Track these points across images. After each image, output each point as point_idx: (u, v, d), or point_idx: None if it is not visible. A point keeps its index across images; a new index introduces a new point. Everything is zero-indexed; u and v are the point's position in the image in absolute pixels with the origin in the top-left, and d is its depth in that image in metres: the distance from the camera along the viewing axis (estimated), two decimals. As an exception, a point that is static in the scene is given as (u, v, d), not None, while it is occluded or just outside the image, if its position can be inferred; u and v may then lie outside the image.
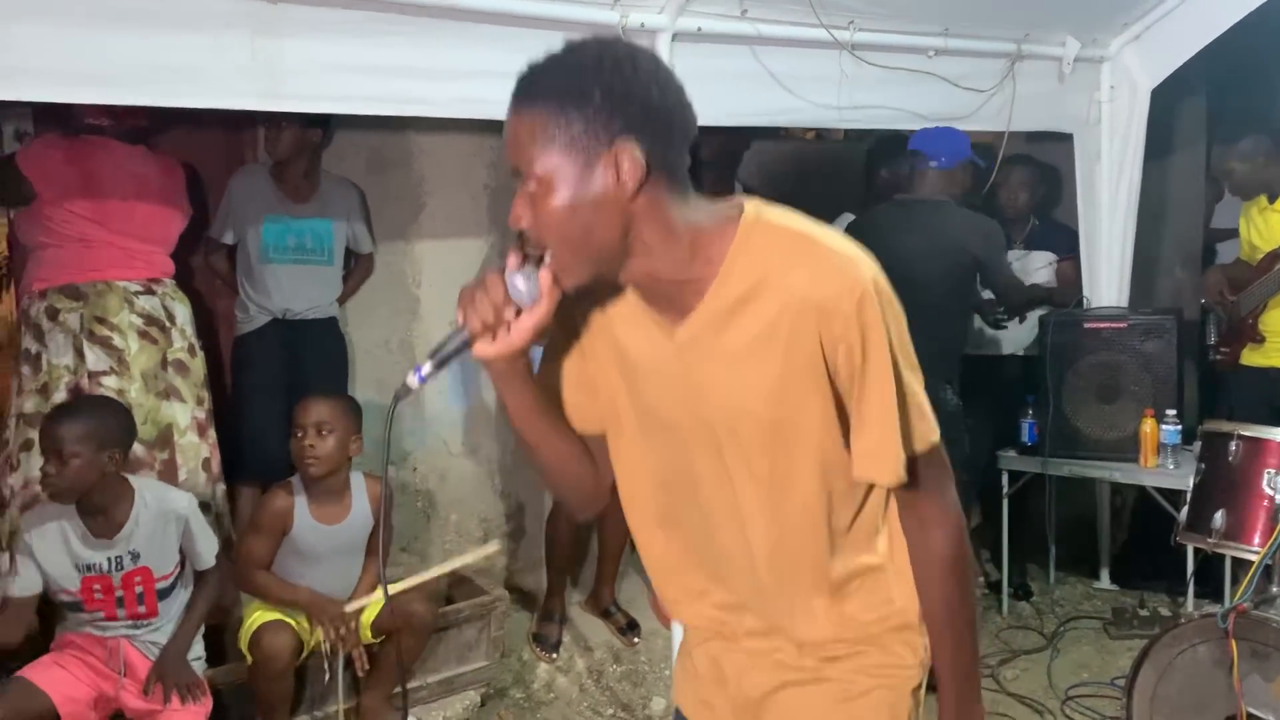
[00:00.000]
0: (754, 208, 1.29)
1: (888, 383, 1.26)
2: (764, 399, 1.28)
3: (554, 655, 3.53)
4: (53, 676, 2.45)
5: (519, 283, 1.24)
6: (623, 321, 1.35)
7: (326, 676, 2.82)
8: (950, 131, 3.43)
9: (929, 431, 1.32)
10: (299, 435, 2.82)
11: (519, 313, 1.25)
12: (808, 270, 1.24)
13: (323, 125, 3.37)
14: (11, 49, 2.07)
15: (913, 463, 1.31)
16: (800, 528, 1.35)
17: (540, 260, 1.24)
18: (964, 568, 1.37)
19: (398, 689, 2.94)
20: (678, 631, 2.97)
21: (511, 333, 1.26)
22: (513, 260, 1.25)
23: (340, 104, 2.57)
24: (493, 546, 2.92)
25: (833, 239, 1.27)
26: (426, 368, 1.26)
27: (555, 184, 1.19)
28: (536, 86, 1.21)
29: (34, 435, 2.87)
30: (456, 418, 3.93)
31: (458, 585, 3.45)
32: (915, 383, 1.30)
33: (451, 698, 3.16)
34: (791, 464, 1.32)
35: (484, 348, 1.26)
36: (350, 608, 2.78)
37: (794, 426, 1.30)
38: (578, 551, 3.79)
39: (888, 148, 3.91)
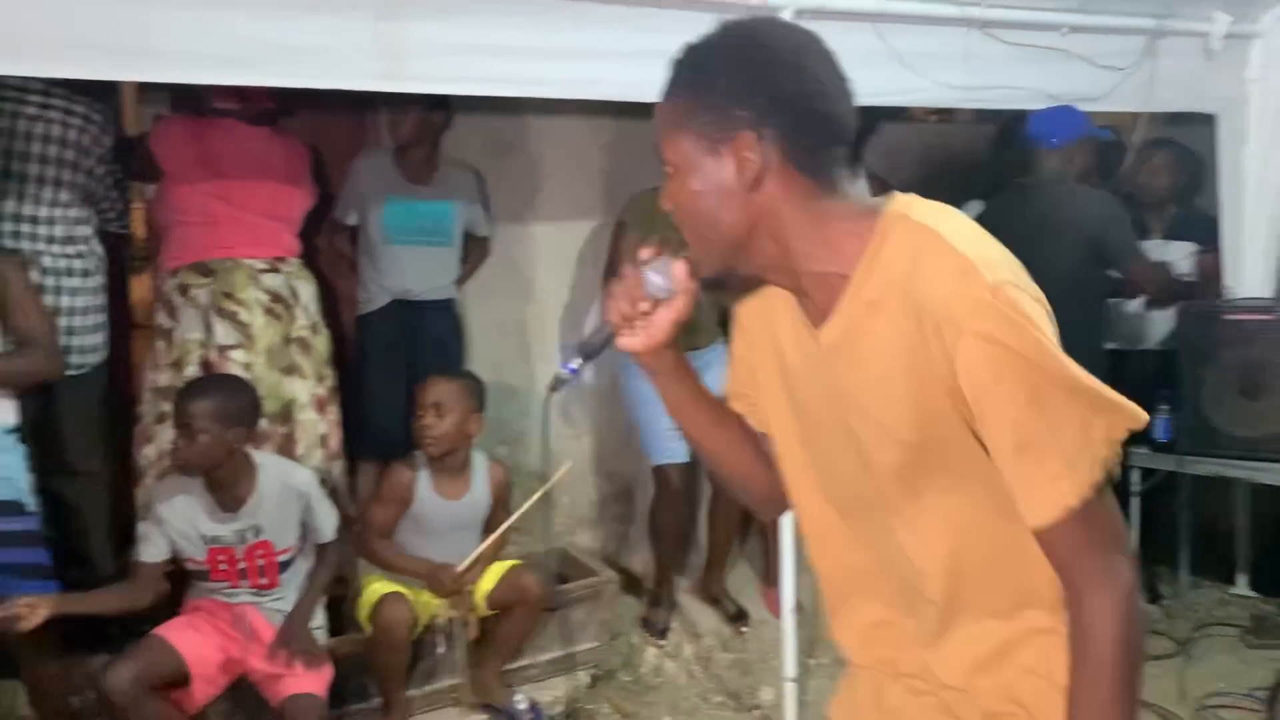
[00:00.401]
0: (903, 202, 1.19)
1: (1015, 409, 1.09)
2: (899, 418, 1.16)
3: (662, 641, 3.52)
4: (186, 637, 2.54)
5: (651, 276, 1.25)
6: (783, 317, 1.30)
7: (440, 650, 2.87)
8: (1064, 109, 3.29)
9: (1082, 477, 1.10)
10: (419, 414, 2.89)
11: (656, 306, 1.26)
12: (929, 273, 1.12)
13: (444, 108, 3.41)
14: (146, 31, 2.13)
15: (1065, 515, 1.10)
16: (969, 559, 1.20)
17: (676, 252, 1.24)
18: (1127, 652, 1.10)
19: (508, 665, 2.99)
20: (789, 623, 2.94)
21: (650, 326, 1.26)
22: (645, 253, 1.26)
23: (460, 85, 2.58)
24: (564, 468, 2.98)
25: (964, 237, 1.14)
26: (576, 361, 1.30)
27: (684, 170, 1.19)
28: (675, 70, 1.21)
29: (168, 408, 2.98)
30: (569, 400, 3.95)
31: (569, 566, 3.48)
32: (1065, 413, 1.10)
33: (560, 677, 3.18)
34: (950, 489, 1.18)
35: (626, 341, 1.28)
36: (461, 566, 2.84)
37: (941, 449, 1.16)
38: (682, 539, 3.77)
39: (1016, 129, 3.76)
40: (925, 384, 1.13)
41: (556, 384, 1.31)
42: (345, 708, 2.78)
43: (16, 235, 2.79)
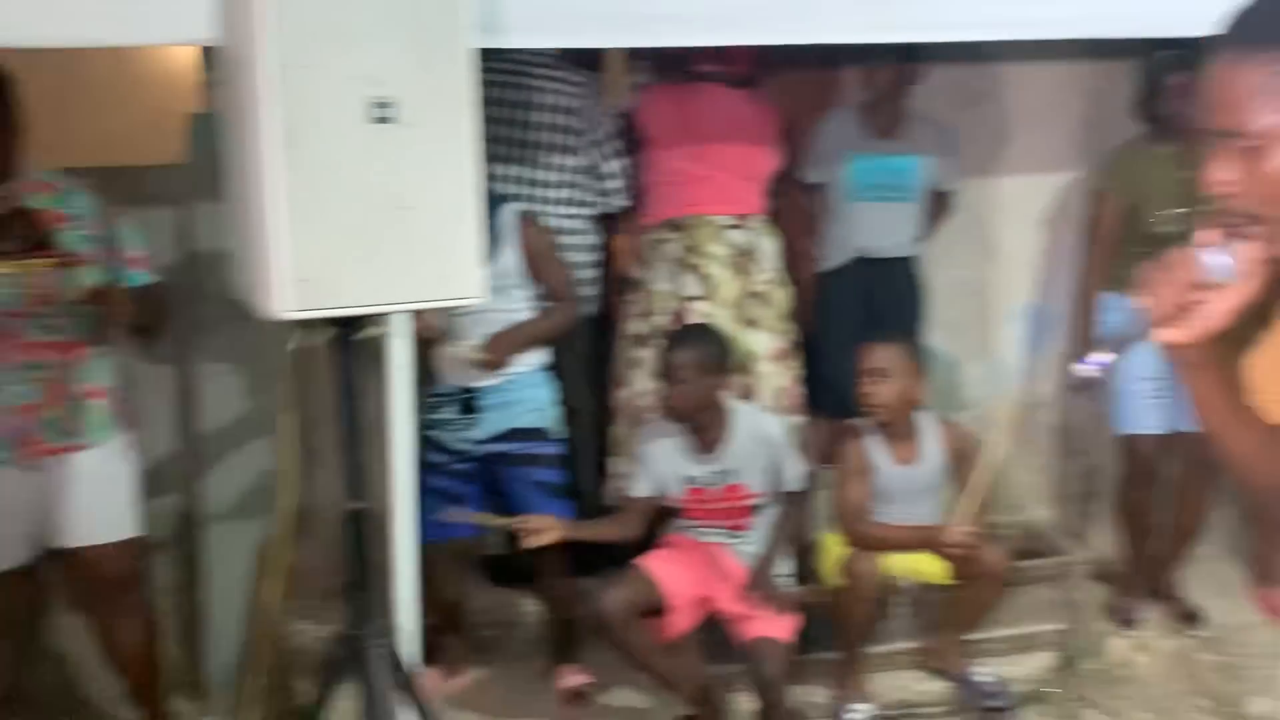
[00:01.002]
0: None
1: None
2: None
3: (1132, 631, 3.25)
4: (664, 570, 2.71)
5: (1216, 259, 1.10)
6: None
7: (900, 611, 2.84)
8: None
9: None
10: (861, 380, 2.86)
11: (1213, 293, 1.11)
12: None
13: (914, 60, 3.33)
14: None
15: None
16: None
17: (1242, 231, 1.08)
18: None
19: (967, 636, 2.90)
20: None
21: (1203, 316, 1.12)
22: (1206, 235, 1.11)
23: (950, 31, 2.48)
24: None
25: None
26: (1105, 355, 1.18)
27: None
28: (1263, 27, 1.04)
29: (639, 355, 3.20)
30: (1030, 367, 3.74)
31: (1030, 543, 3.31)
32: None
33: (1023, 655, 3.04)
34: None
35: (1168, 333, 1.14)
36: (959, 532, 2.77)
37: None
38: (1152, 521, 3.44)
39: None
40: None
41: (1073, 380, 1.22)
42: (807, 656, 2.83)
43: (530, 198, 3.10)
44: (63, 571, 2.67)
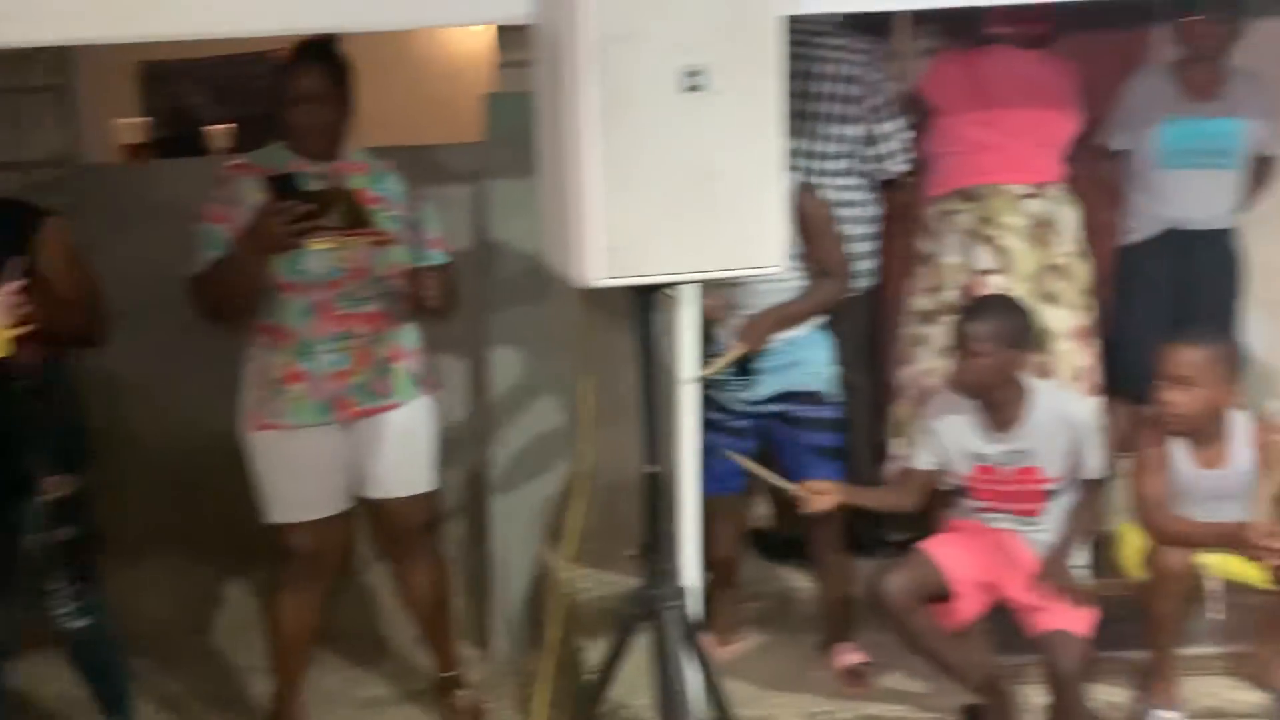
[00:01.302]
0: None
1: None
2: None
3: None
4: (948, 554, 2.61)
5: None
6: None
7: (1215, 616, 2.60)
8: None
9: None
10: (1161, 384, 2.61)
11: None
12: None
13: (1235, 13, 3.03)
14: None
15: None
16: None
17: None
18: None
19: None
20: None
21: None
22: None
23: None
24: None
25: None
26: None
27: None
28: None
29: (925, 331, 3.09)
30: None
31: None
32: None
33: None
34: None
35: None
36: (1271, 531, 2.52)
37: None
38: None
39: None
40: None
41: None
42: (1105, 653, 2.66)
43: (808, 170, 3.05)
44: (369, 520, 2.89)
